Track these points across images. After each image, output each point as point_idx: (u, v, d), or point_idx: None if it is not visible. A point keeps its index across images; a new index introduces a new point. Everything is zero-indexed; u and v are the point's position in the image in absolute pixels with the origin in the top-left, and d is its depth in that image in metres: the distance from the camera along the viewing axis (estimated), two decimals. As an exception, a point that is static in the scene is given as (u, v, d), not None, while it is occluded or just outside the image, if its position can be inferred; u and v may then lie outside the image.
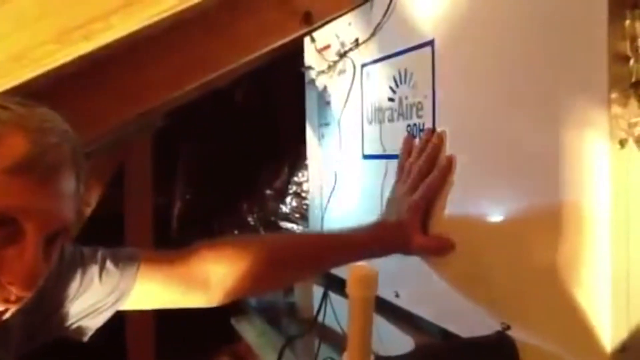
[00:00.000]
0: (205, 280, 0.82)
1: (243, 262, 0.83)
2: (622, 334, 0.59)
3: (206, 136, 2.30)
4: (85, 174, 0.63)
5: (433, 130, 0.87)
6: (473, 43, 0.78)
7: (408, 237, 0.87)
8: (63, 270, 0.73)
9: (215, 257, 0.83)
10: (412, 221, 0.87)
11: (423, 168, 0.86)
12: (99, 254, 0.77)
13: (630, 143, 0.58)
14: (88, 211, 1.99)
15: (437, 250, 0.85)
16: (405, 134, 0.94)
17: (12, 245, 0.55)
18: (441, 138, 0.85)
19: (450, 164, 0.83)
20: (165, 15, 0.77)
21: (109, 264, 0.77)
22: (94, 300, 0.76)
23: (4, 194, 0.54)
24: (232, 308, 1.74)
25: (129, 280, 0.77)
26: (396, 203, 0.91)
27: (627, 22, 0.58)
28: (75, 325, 0.76)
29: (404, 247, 0.88)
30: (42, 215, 0.57)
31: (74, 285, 0.74)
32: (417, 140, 0.91)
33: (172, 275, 0.81)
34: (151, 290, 0.79)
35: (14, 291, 0.56)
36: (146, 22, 0.76)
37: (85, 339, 0.78)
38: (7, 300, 0.57)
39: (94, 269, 0.76)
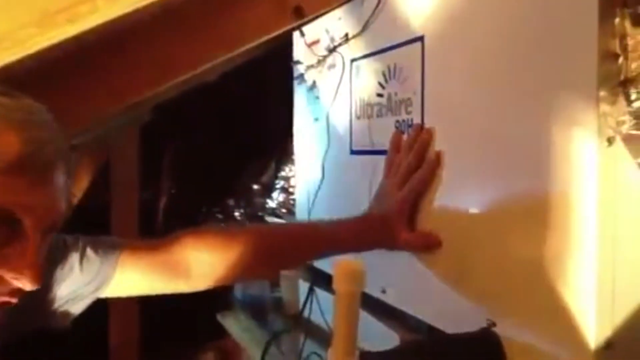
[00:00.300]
0: (187, 267, 0.82)
1: (225, 250, 0.84)
2: (607, 331, 0.59)
3: (193, 130, 2.29)
4: (71, 165, 0.63)
5: (422, 125, 0.87)
6: (463, 40, 0.78)
7: (393, 232, 0.87)
8: (46, 259, 0.72)
9: (196, 244, 0.83)
10: (399, 216, 0.87)
11: (412, 163, 0.86)
12: (80, 242, 0.77)
13: (618, 141, 0.58)
14: (73, 201, 1.98)
15: (423, 247, 0.86)
16: (394, 129, 0.94)
17: (13, 243, 0.56)
18: (430, 134, 0.85)
19: (438, 159, 0.83)
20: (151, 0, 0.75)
21: (89, 252, 0.76)
22: (74, 287, 0.75)
23: (2, 193, 0.54)
24: (218, 304, 1.74)
25: (109, 268, 0.77)
26: (384, 198, 0.91)
27: (617, 20, 0.58)
28: (54, 313, 0.76)
29: (389, 243, 0.88)
30: (41, 211, 0.57)
31: (55, 273, 0.74)
32: (405, 136, 0.91)
33: (154, 263, 0.81)
34: (132, 277, 0.79)
35: (22, 286, 0.57)
36: (133, 7, 0.75)
37: (64, 327, 0.78)
38: (11, 294, 0.58)
39: (75, 257, 0.76)
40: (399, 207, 0.87)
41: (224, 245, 0.84)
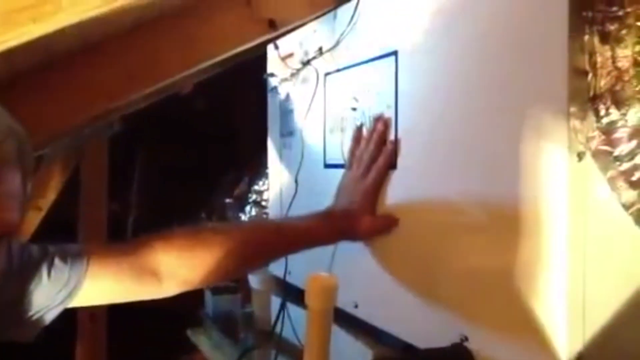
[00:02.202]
0: (156, 270, 0.81)
1: (195, 253, 0.83)
2: (578, 345, 0.59)
3: (165, 143, 2.27)
4: (32, 172, 0.61)
5: (380, 116, 0.90)
6: (436, 55, 0.79)
7: (358, 222, 0.89)
8: (11, 270, 0.70)
9: (164, 247, 0.82)
10: (364, 206, 0.89)
11: (373, 154, 0.89)
12: (47, 251, 0.76)
13: (588, 156, 0.59)
14: (39, 216, 1.93)
15: (385, 228, 0.88)
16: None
17: None
18: (386, 124, 0.88)
19: (395, 147, 0.86)
20: (117, 4, 0.73)
21: (57, 260, 0.75)
22: (43, 298, 0.74)
23: None
24: (188, 319, 1.71)
25: (79, 275, 0.76)
26: (347, 190, 0.93)
27: (586, 37, 0.58)
28: (24, 324, 0.74)
29: (354, 234, 0.90)
30: None
31: (22, 285, 0.72)
32: (364, 130, 0.94)
33: (122, 266, 0.79)
34: (102, 284, 0.78)
35: None
36: (98, 10, 0.73)
37: (31, 339, 0.76)
38: None
39: (42, 266, 0.74)
40: (364, 198, 0.89)
41: (194, 248, 0.84)
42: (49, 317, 0.76)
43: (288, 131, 1.24)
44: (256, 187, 1.68)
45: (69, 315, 0.79)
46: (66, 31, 0.73)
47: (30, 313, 0.73)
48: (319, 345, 0.58)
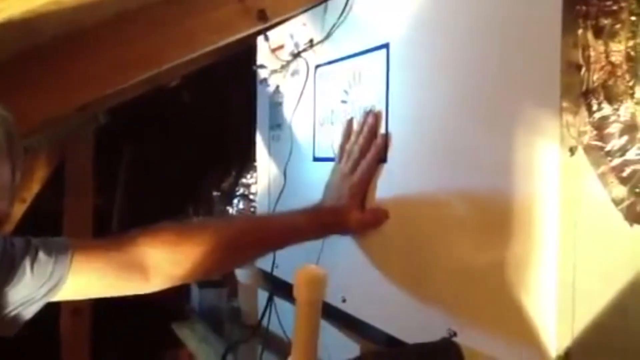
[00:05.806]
0: (142, 265, 0.80)
1: (182, 247, 0.82)
2: (567, 340, 0.59)
3: (151, 136, 2.24)
4: (21, 162, 0.60)
5: (371, 110, 0.89)
6: (428, 48, 0.78)
7: (347, 217, 0.89)
8: None
9: (150, 242, 0.81)
10: (353, 201, 0.89)
11: (363, 148, 0.89)
12: (30, 244, 0.74)
13: (580, 151, 0.59)
14: (23, 208, 1.91)
15: (375, 223, 0.87)
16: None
17: None
18: (377, 118, 0.88)
19: (385, 141, 0.86)
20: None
21: (41, 254, 0.73)
22: (25, 292, 0.72)
23: None
24: (173, 313, 1.70)
25: (63, 270, 0.74)
26: (337, 184, 0.92)
27: (580, 31, 0.58)
28: (5, 319, 0.72)
29: (343, 228, 0.90)
30: None
31: (4, 278, 0.71)
32: (355, 123, 0.93)
33: (109, 263, 0.78)
34: (87, 279, 0.77)
35: None
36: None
37: (13, 333, 0.74)
38: None
39: (26, 260, 0.72)
40: (353, 192, 0.89)
41: (181, 242, 0.83)
42: (31, 311, 0.74)
43: (277, 124, 1.23)
44: (244, 181, 1.67)
45: (52, 309, 0.77)
46: (51, 14, 0.70)
47: (12, 306, 0.72)
48: (308, 337, 0.58)
